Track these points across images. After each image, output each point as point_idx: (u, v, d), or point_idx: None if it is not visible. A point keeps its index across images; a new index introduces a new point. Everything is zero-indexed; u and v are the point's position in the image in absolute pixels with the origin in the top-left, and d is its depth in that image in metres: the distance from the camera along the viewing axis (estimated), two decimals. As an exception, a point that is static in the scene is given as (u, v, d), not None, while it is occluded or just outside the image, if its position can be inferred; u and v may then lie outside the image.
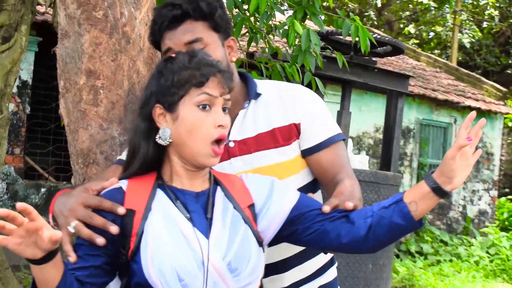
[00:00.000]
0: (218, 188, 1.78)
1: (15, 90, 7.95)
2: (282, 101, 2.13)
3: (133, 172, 1.74)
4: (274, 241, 1.83)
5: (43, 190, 8.26)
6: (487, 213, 13.33)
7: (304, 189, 2.05)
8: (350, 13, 3.87)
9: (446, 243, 11.81)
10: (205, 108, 1.68)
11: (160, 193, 1.71)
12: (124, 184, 1.72)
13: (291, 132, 2.10)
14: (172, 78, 1.69)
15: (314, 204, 1.81)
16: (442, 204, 12.58)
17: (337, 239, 1.74)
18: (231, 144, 2.03)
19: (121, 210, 1.64)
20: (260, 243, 1.72)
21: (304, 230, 1.77)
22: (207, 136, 1.68)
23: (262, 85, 2.16)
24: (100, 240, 1.62)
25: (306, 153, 2.11)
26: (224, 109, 1.73)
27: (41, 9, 7.13)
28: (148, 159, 1.73)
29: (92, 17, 2.29)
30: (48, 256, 1.50)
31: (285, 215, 1.77)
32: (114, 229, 1.62)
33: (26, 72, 8.09)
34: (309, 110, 2.13)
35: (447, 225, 12.63)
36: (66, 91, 2.37)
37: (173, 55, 1.76)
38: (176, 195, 1.72)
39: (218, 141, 1.70)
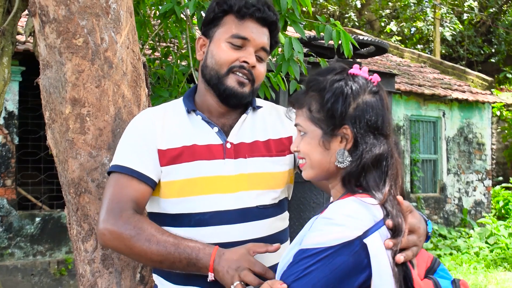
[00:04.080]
0: None
1: (1, 121, 7.90)
2: (278, 116, 2.21)
3: None
4: None
5: (37, 219, 8.22)
6: (483, 203, 13.35)
7: (277, 205, 2.12)
8: (330, 16, 3.87)
9: (444, 237, 11.81)
10: None
11: None
12: None
13: (284, 145, 2.15)
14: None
15: None
16: (437, 198, 12.60)
17: None
18: (228, 146, 2.06)
19: None
20: None
21: None
22: None
23: (258, 100, 2.22)
24: None
25: None
26: None
27: (21, 38, 7.09)
28: None
29: (72, 45, 2.28)
30: None
31: None
32: None
33: (11, 103, 8.05)
34: None
35: (444, 218, 12.64)
36: (52, 121, 2.35)
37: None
38: None
39: None
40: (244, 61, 2.04)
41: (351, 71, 1.70)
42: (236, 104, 2.10)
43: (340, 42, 3.83)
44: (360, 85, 1.67)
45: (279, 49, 3.89)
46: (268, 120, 2.18)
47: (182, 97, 2.18)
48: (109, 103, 2.32)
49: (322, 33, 3.86)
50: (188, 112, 2.10)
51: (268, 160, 2.10)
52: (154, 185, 2.02)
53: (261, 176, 2.07)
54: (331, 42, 3.85)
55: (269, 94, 4.36)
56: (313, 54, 5.75)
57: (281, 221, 2.13)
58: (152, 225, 1.92)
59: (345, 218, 1.54)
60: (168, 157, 2.03)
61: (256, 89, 2.12)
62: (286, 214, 2.19)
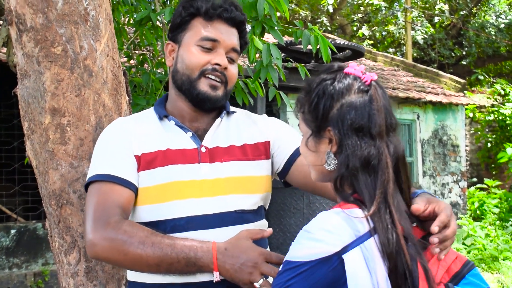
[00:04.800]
0: None
1: (-26, 132, 7.79)
2: (253, 122, 2.20)
3: None
4: None
5: (13, 231, 8.09)
6: (458, 204, 13.45)
7: (255, 212, 2.08)
8: (305, 22, 3.86)
9: (422, 239, 11.84)
10: None
11: None
12: None
13: (260, 150, 2.14)
14: None
15: None
16: (414, 201, 12.62)
17: None
18: (203, 150, 2.03)
19: None
20: None
21: None
22: None
23: (232, 107, 2.22)
24: None
25: (288, 164, 2.13)
26: None
27: (-7, 48, 6.99)
28: None
29: (51, 54, 2.23)
30: None
31: None
32: None
33: (-17, 113, 7.94)
34: (277, 129, 2.20)
35: (421, 221, 12.68)
36: (32, 132, 2.29)
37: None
38: None
39: None
40: (216, 64, 2.03)
41: (345, 69, 1.64)
42: (210, 108, 2.09)
43: (318, 47, 3.82)
44: (346, 84, 1.60)
45: (257, 55, 3.86)
46: (242, 125, 2.17)
47: (152, 107, 2.16)
48: (90, 112, 2.28)
49: (300, 39, 3.85)
50: (161, 118, 2.09)
51: (245, 163, 2.07)
52: (136, 191, 1.98)
53: (239, 180, 2.04)
54: (309, 47, 3.83)
55: (247, 100, 4.34)
56: (290, 59, 5.73)
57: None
58: (143, 228, 1.84)
59: (324, 234, 1.49)
60: (143, 162, 1.99)
61: (229, 91, 2.11)
62: (264, 222, 2.15)
